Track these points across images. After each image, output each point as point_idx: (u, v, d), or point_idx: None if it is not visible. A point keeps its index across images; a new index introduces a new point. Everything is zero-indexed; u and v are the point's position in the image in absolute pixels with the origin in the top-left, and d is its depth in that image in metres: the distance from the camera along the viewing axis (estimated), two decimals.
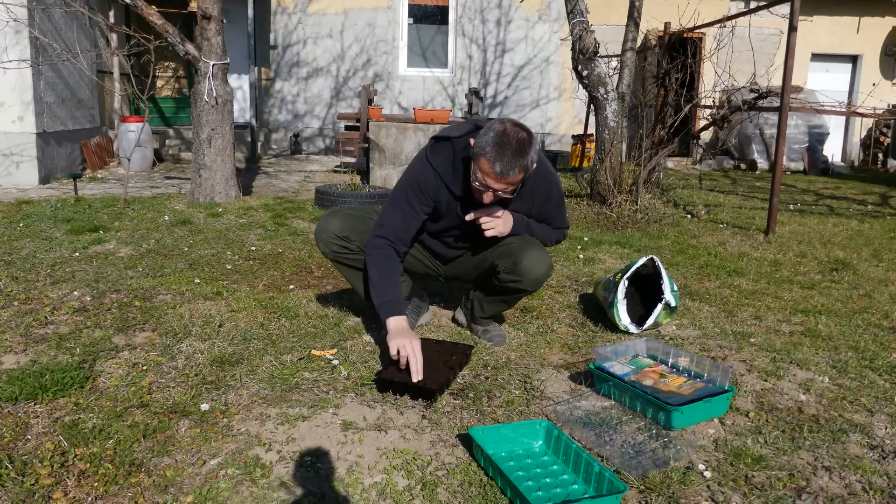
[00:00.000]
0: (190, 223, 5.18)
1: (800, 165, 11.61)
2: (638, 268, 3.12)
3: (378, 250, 2.56)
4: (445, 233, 2.75)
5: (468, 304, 2.97)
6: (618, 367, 2.41)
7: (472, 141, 2.42)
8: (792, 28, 5.16)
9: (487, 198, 2.44)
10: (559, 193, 2.79)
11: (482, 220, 2.57)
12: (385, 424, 2.13)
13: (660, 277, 3.05)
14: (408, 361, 2.35)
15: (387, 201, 2.67)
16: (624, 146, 6.23)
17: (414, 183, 2.58)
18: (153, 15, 5.82)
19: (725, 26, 7.14)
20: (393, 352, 2.37)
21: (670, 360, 2.49)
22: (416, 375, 2.32)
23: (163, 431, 2.04)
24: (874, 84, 11.85)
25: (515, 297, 2.83)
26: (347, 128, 9.75)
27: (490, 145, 2.32)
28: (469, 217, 2.58)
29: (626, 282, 3.07)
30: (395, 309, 2.48)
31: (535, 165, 2.44)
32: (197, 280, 3.62)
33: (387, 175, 7.43)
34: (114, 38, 9.54)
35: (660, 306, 2.99)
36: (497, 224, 2.58)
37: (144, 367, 2.50)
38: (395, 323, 2.45)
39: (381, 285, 2.52)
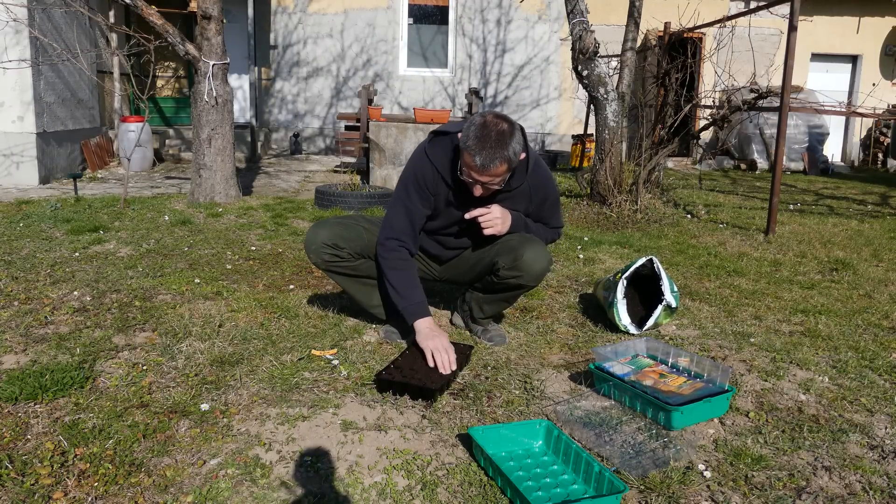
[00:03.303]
0: (190, 223, 5.18)
1: (800, 165, 11.61)
2: (637, 268, 3.11)
3: (393, 252, 2.59)
4: (443, 231, 2.76)
5: (465, 306, 2.97)
6: (618, 367, 2.41)
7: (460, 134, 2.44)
8: (792, 28, 5.16)
9: (477, 191, 2.47)
10: (555, 194, 2.80)
11: (481, 218, 2.58)
12: (385, 424, 2.13)
13: (659, 278, 3.05)
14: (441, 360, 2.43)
15: (391, 200, 2.69)
16: (624, 146, 6.23)
17: (413, 178, 2.60)
18: (153, 15, 5.82)
19: (725, 26, 7.14)
20: (429, 356, 2.44)
21: (670, 360, 2.49)
22: (452, 366, 2.41)
23: (163, 431, 2.04)
24: (874, 84, 11.85)
25: (515, 294, 2.82)
26: (347, 128, 9.75)
27: (471, 139, 2.35)
28: (468, 215, 2.59)
29: (626, 281, 3.07)
30: (421, 311, 2.53)
31: (522, 156, 2.45)
32: (197, 280, 3.62)
33: (387, 175, 7.43)
34: (114, 38, 9.54)
35: (660, 307, 2.99)
36: (496, 222, 2.59)
37: (144, 367, 2.50)
38: (424, 324, 2.51)
39: (403, 289, 2.56)
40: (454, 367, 2.41)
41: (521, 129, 2.44)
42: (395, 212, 2.62)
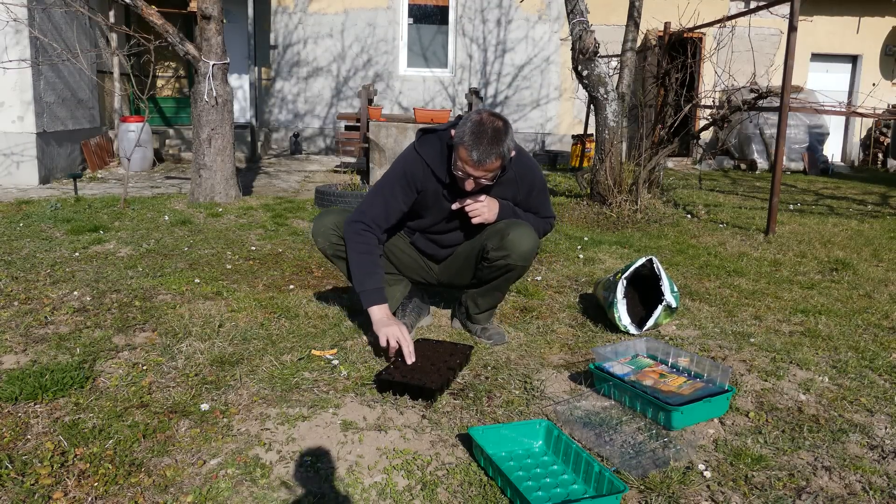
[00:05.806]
0: (190, 223, 5.18)
1: (800, 165, 11.61)
2: (637, 268, 3.12)
3: (357, 235, 2.62)
4: (435, 227, 2.79)
5: (462, 308, 3.00)
6: (618, 367, 2.41)
7: (453, 132, 2.49)
8: (792, 28, 5.16)
9: (469, 185, 2.52)
10: (542, 182, 2.83)
11: (468, 207, 2.63)
12: (385, 424, 2.13)
13: (659, 278, 3.05)
14: (399, 349, 2.46)
15: (371, 189, 2.73)
16: (624, 146, 6.23)
17: (401, 172, 2.64)
18: (153, 15, 5.82)
19: (725, 26, 7.13)
20: (382, 342, 2.46)
21: (670, 360, 2.49)
22: (409, 358, 2.43)
23: (163, 431, 2.04)
24: (874, 84, 11.85)
25: (506, 279, 2.78)
26: (347, 128, 9.75)
27: (468, 135, 2.41)
28: (455, 206, 2.65)
29: (625, 281, 3.07)
30: (377, 298, 2.55)
31: (513, 154, 2.52)
32: (197, 280, 3.62)
33: None
34: (114, 38, 9.54)
35: (660, 308, 2.99)
36: (483, 210, 2.63)
37: (144, 367, 2.50)
38: (379, 312, 2.52)
39: (361, 274, 2.58)
40: (412, 358, 2.44)
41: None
42: (373, 200, 2.66)
